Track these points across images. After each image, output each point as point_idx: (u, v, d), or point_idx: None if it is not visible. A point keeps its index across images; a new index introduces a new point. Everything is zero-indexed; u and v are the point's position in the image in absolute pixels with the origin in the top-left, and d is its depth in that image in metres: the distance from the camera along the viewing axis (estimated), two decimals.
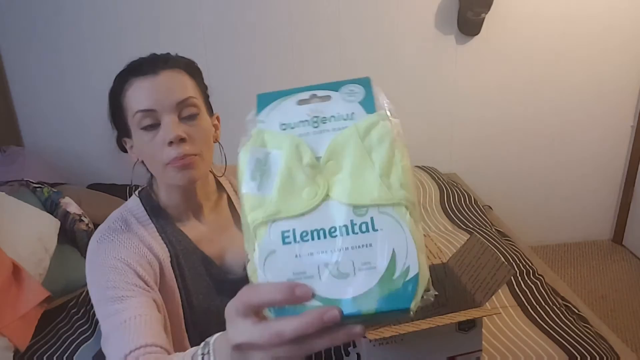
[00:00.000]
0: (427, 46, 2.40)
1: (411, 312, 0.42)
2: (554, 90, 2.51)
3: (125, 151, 0.91)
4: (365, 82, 0.50)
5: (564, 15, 2.38)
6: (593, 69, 2.48)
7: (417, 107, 2.50)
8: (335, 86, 0.50)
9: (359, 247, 0.43)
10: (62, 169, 2.31)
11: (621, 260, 2.65)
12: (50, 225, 1.67)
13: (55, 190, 1.83)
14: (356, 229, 0.43)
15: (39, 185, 1.82)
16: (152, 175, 0.92)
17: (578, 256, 2.70)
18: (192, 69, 0.88)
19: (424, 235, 1.28)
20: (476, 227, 1.90)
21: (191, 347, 0.89)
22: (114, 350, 0.74)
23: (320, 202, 0.44)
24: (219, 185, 1.00)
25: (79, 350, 1.38)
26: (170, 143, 0.81)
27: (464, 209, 2.08)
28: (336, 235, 0.43)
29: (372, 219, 0.43)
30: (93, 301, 0.82)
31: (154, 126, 0.82)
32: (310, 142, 0.46)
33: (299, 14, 2.30)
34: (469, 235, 1.25)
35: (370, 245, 0.43)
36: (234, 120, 2.61)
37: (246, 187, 0.46)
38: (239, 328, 0.43)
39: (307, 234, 0.43)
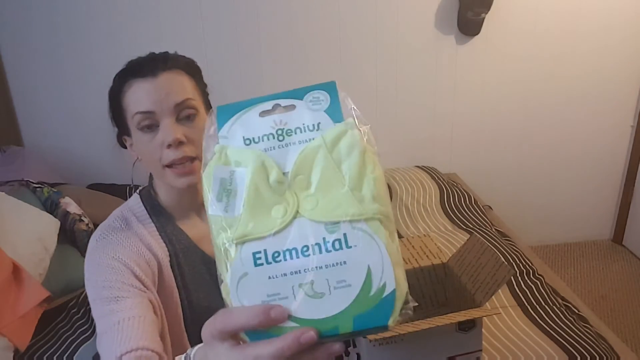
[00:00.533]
0: (427, 46, 2.40)
1: (389, 329, 0.41)
2: (554, 90, 2.51)
3: (126, 147, 0.92)
4: (330, 88, 0.46)
5: (564, 15, 2.38)
6: (593, 69, 2.48)
7: (417, 107, 2.50)
8: (299, 94, 0.46)
9: (333, 265, 0.41)
10: (62, 169, 2.31)
11: (621, 260, 2.65)
12: (50, 225, 1.67)
13: (55, 190, 1.83)
14: (329, 246, 0.41)
15: (39, 185, 1.82)
16: (151, 174, 0.92)
17: (578, 256, 2.70)
18: (191, 69, 0.89)
19: (424, 235, 1.29)
20: (476, 227, 1.90)
21: (191, 345, 0.89)
22: (106, 351, 0.75)
23: (290, 220, 0.42)
24: None
25: (79, 350, 1.38)
26: (169, 146, 0.81)
27: (464, 209, 2.08)
28: (309, 255, 0.41)
29: (345, 235, 0.41)
30: (89, 299, 0.82)
31: (153, 128, 0.82)
32: (276, 157, 0.44)
33: (299, 13, 2.30)
34: (469, 235, 1.25)
35: (345, 262, 0.41)
36: None
37: (212, 208, 0.44)
38: (216, 350, 0.43)
39: (279, 254, 0.42)
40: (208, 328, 0.44)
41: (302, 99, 0.46)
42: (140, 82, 0.82)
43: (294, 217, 0.42)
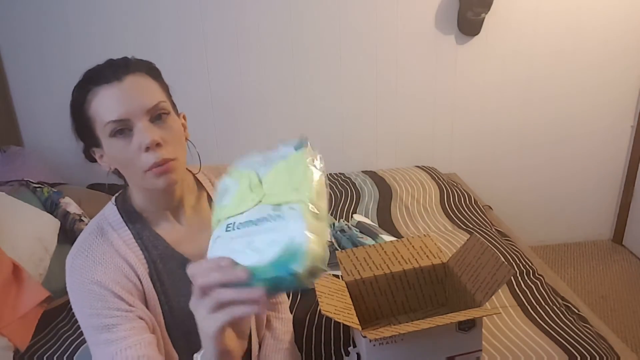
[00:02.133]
0: (427, 46, 2.41)
1: (300, 277, 0.56)
2: (554, 90, 2.51)
3: (94, 161, 0.89)
4: (300, 143, 0.67)
5: (564, 15, 2.38)
6: (593, 69, 2.48)
7: (417, 107, 2.50)
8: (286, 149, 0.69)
9: (271, 230, 0.59)
10: (62, 169, 2.31)
11: (621, 260, 2.65)
12: (50, 225, 1.67)
13: (55, 190, 1.83)
14: (271, 219, 0.60)
15: (39, 185, 1.82)
16: (125, 179, 0.90)
17: (578, 256, 2.71)
18: (152, 71, 0.86)
19: (424, 235, 1.29)
20: (476, 227, 1.90)
21: (174, 349, 0.89)
22: None
23: (255, 204, 0.63)
24: (199, 184, 0.99)
25: (79, 350, 1.38)
26: (147, 149, 0.79)
27: (464, 209, 2.08)
28: (260, 224, 0.61)
29: (282, 211, 0.61)
30: (80, 324, 0.82)
31: (126, 133, 0.80)
32: (259, 172, 0.68)
33: (299, 13, 2.30)
34: (469, 235, 1.25)
35: (277, 228, 0.59)
36: (235, 122, 2.61)
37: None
38: (204, 300, 0.60)
39: (242, 224, 0.62)
40: (192, 296, 0.62)
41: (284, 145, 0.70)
42: (106, 88, 0.80)
43: (257, 203, 0.64)
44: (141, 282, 0.87)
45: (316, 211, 0.60)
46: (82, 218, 1.76)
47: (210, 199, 0.99)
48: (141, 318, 0.83)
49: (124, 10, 2.22)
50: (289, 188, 0.62)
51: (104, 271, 0.83)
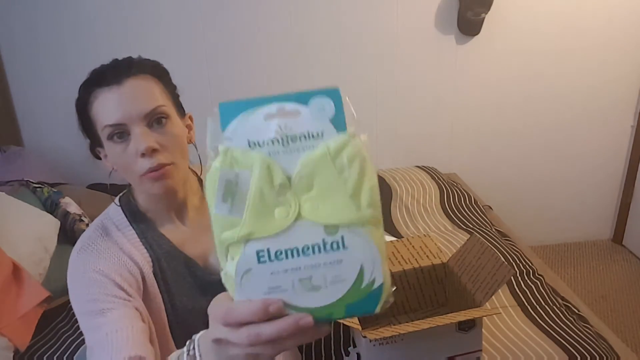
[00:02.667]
0: (427, 46, 2.40)
1: (374, 314, 0.47)
2: (554, 90, 2.51)
3: (99, 158, 0.90)
4: (335, 95, 0.48)
5: (564, 15, 2.38)
6: (593, 69, 2.48)
7: (417, 107, 2.50)
8: (304, 98, 0.47)
9: (330, 263, 0.46)
10: (62, 169, 2.31)
11: (621, 260, 2.65)
12: (50, 225, 1.67)
13: (55, 190, 1.83)
14: (328, 247, 0.46)
15: (39, 185, 1.82)
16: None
17: (578, 256, 2.70)
18: (157, 71, 0.86)
19: (424, 235, 1.29)
20: (476, 227, 1.90)
21: (177, 348, 0.90)
22: None
23: (292, 222, 0.46)
24: (203, 185, 1.00)
25: (79, 351, 1.38)
26: (143, 154, 0.79)
27: (464, 209, 2.08)
28: (309, 254, 0.46)
29: (342, 237, 0.46)
30: (75, 313, 0.82)
31: (124, 138, 0.80)
32: (280, 161, 0.46)
33: (299, 12, 2.30)
34: (469, 235, 1.25)
35: (341, 261, 0.46)
36: None
37: (217, 209, 0.47)
38: (219, 328, 0.47)
39: (281, 252, 0.46)
40: (212, 314, 0.48)
41: (307, 105, 0.47)
42: (106, 92, 0.80)
43: (296, 219, 0.46)
44: (144, 280, 0.87)
45: (381, 229, 0.48)
46: (82, 218, 1.76)
47: None
48: (137, 310, 0.83)
49: (124, 10, 2.22)
50: (341, 197, 0.46)
51: (107, 264, 0.83)
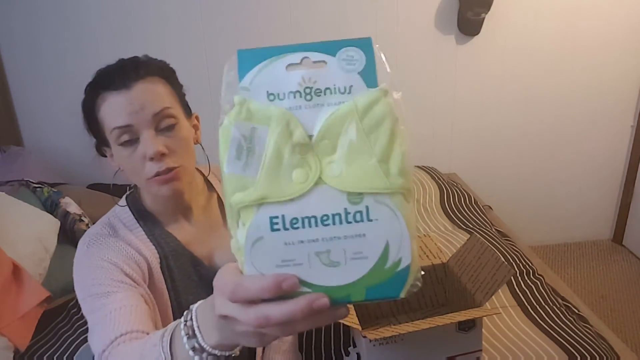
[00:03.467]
0: (427, 46, 2.40)
1: (398, 298, 0.42)
2: (554, 90, 2.51)
3: (105, 156, 0.90)
4: (366, 46, 0.44)
5: (564, 15, 2.38)
6: (593, 69, 2.48)
7: (416, 107, 2.50)
8: (331, 48, 0.42)
9: (352, 236, 0.40)
10: (62, 169, 2.31)
11: (621, 260, 2.65)
12: (50, 225, 1.67)
13: (55, 190, 1.83)
14: (350, 217, 0.40)
15: (39, 185, 1.82)
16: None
17: (578, 256, 2.70)
18: (164, 72, 0.86)
19: (424, 235, 1.28)
20: (476, 227, 1.90)
21: None
22: (98, 340, 0.73)
23: (311, 186, 0.40)
24: (209, 185, 1.00)
25: (79, 351, 1.38)
26: (151, 159, 0.80)
27: (464, 209, 2.08)
28: (328, 224, 0.40)
29: (367, 207, 0.40)
30: (79, 299, 0.81)
31: (132, 141, 0.81)
32: (302, 118, 0.41)
33: (299, 12, 2.30)
34: (469, 235, 1.25)
35: (364, 235, 0.40)
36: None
37: (229, 166, 0.41)
38: (226, 304, 0.43)
39: (297, 220, 0.40)
40: (219, 287, 0.43)
41: (334, 56, 0.42)
42: (114, 95, 0.80)
43: (316, 184, 0.40)
44: (151, 274, 0.87)
45: (412, 201, 0.42)
46: (82, 218, 1.76)
47: (220, 200, 0.99)
48: (142, 296, 0.82)
49: (124, 10, 2.22)
50: (368, 161, 0.41)
51: (116, 255, 0.83)
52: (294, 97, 0.41)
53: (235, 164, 0.41)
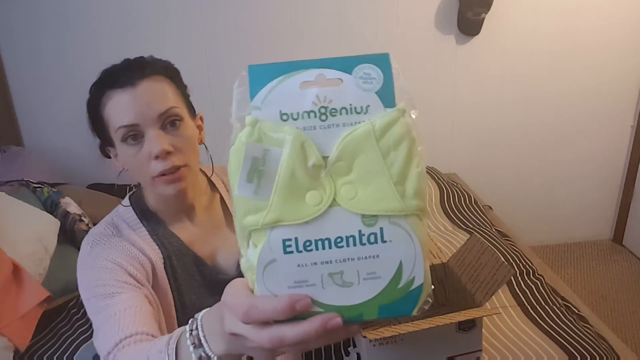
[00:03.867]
0: (427, 46, 2.40)
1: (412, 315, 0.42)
2: (554, 90, 2.51)
3: (109, 157, 0.90)
4: (383, 62, 0.41)
5: (564, 15, 2.38)
6: (593, 69, 2.48)
7: (416, 107, 2.50)
8: (347, 65, 0.41)
9: (365, 258, 0.40)
10: (62, 169, 2.31)
11: (621, 260, 2.65)
12: (50, 225, 1.67)
13: (55, 190, 1.83)
14: (364, 239, 0.40)
15: (39, 185, 1.82)
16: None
17: (578, 256, 2.70)
18: (169, 72, 0.86)
19: None
20: (476, 227, 1.90)
21: None
22: (103, 342, 0.73)
23: (325, 208, 0.40)
24: (212, 185, 1.00)
25: (79, 350, 1.38)
26: (157, 157, 0.80)
27: (464, 209, 2.08)
28: (342, 246, 0.40)
29: (381, 229, 0.40)
30: (83, 299, 0.82)
31: (138, 140, 0.81)
32: (316, 139, 0.40)
33: (299, 12, 2.30)
34: (469, 235, 1.24)
35: (377, 256, 0.40)
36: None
37: (241, 190, 0.41)
38: (238, 324, 0.43)
39: (310, 243, 0.40)
40: (230, 306, 0.43)
41: (350, 73, 0.41)
42: (120, 93, 0.80)
43: (330, 205, 0.40)
44: (155, 274, 0.88)
45: (425, 221, 0.42)
46: (82, 218, 1.76)
47: (223, 200, 0.99)
48: (147, 297, 0.83)
49: (124, 10, 2.22)
50: (384, 183, 0.40)
51: (119, 255, 0.84)
52: (308, 117, 0.40)
53: (247, 187, 0.40)
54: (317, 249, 0.40)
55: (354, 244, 0.40)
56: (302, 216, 0.40)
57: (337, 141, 0.40)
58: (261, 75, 0.40)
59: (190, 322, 0.55)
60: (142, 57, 0.86)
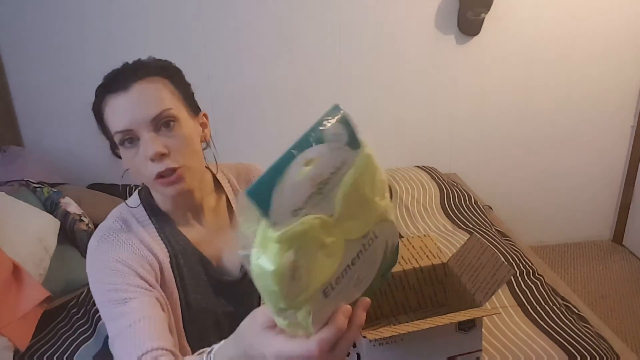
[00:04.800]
0: (427, 46, 2.40)
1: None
2: (554, 90, 2.51)
3: (120, 157, 0.90)
4: (342, 118, 0.49)
5: (564, 15, 2.38)
6: (593, 69, 2.48)
7: (416, 107, 2.50)
8: (319, 137, 0.47)
9: (368, 257, 0.53)
10: (62, 169, 2.31)
11: (621, 260, 2.65)
12: (50, 225, 1.67)
13: (55, 190, 1.83)
14: (367, 246, 0.52)
15: (39, 185, 1.82)
16: None
17: (578, 256, 2.70)
18: (167, 71, 0.86)
19: (424, 235, 1.28)
20: (476, 227, 1.90)
21: (188, 345, 0.90)
22: (122, 354, 0.76)
23: (342, 255, 0.50)
24: (218, 186, 1.00)
25: (79, 350, 1.38)
26: (152, 159, 0.80)
27: (464, 209, 2.08)
28: (356, 262, 0.51)
29: (374, 232, 0.53)
30: (96, 302, 0.83)
31: (134, 143, 0.81)
32: (321, 209, 0.47)
33: (299, 12, 2.30)
34: (469, 235, 1.24)
35: (375, 248, 0.54)
36: (234, 122, 2.60)
37: (279, 316, 0.49)
38: (274, 343, 0.51)
39: (339, 277, 0.50)
40: (265, 350, 0.53)
41: (325, 142, 0.47)
42: (114, 97, 0.80)
43: (344, 247, 0.50)
44: (162, 273, 0.88)
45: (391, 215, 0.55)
46: (82, 218, 1.76)
47: (229, 202, 0.99)
48: (158, 300, 0.84)
49: (123, 10, 2.22)
50: (367, 208, 0.52)
51: (129, 254, 0.84)
52: (311, 199, 0.46)
53: (285, 315, 0.49)
54: (343, 276, 0.52)
55: (362, 255, 0.54)
56: (329, 275, 0.50)
57: (334, 200, 0.48)
58: (262, 195, 0.45)
59: (204, 356, 0.60)
60: (140, 59, 0.86)
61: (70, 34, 2.24)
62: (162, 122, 0.81)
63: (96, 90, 0.85)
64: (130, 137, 0.81)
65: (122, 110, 0.80)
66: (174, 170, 0.81)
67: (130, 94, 0.80)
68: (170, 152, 0.81)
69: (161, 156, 0.80)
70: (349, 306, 0.51)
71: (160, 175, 0.81)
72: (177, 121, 0.83)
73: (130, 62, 0.86)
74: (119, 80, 0.81)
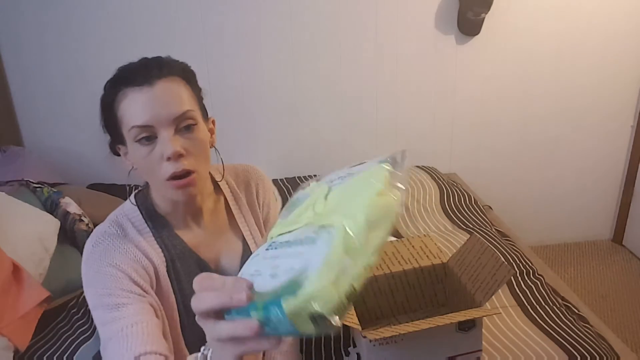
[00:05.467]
0: (427, 46, 2.40)
1: (288, 316, 0.44)
2: (554, 90, 2.51)
3: (119, 155, 0.89)
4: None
5: (564, 15, 2.38)
6: (593, 69, 2.48)
7: (417, 107, 2.50)
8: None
9: (297, 255, 0.48)
10: (62, 169, 2.31)
11: (621, 260, 2.65)
12: (50, 225, 1.67)
13: (55, 190, 1.83)
14: (305, 242, 0.49)
15: (39, 185, 1.82)
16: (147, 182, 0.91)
17: (578, 256, 2.70)
18: (186, 74, 0.86)
19: (424, 235, 1.29)
20: (476, 227, 1.90)
21: (187, 349, 0.90)
22: (113, 358, 0.76)
23: (306, 223, 0.53)
24: (217, 188, 1.00)
25: (79, 350, 1.38)
26: (169, 159, 0.79)
27: (464, 209, 2.08)
28: (292, 246, 0.51)
29: (320, 234, 0.49)
30: (90, 306, 0.82)
31: (151, 140, 0.80)
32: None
33: (298, 12, 2.30)
34: (469, 235, 1.24)
35: (304, 254, 0.48)
36: (234, 121, 2.60)
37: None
38: (206, 327, 0.52)
39: (281, 245, 0.52)
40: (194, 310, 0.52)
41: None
42: (136, 92, 0.79)
43: (309, 223, 0.53)
44: (158, 278, 0.88)
45: (355, 241, 0.47)
46: (82, 218, 1.76)
47: (227, 204, 0.99)
48: (152, 306, 0.83)
49: (123, 9, 2.22)
50: (345, 208, 0.50)
51: (123, 259, 0.84)
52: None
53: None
54: (281, 248, 0.53)
55: (298, 245, 0.51)
56: (292, 227, 0.55)
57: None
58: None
59: (202, 348, 0.59)
60: (160, 56, 0.85)
61: (71, 35, 2.24)
62: (184, 125, 0.81)
63: (109, 83, 0.83)
64: (148, 134, 0.79)
65: (144, 105, 0.78)
66: (189, 172, 0.81)
67: (155, 90, 0.78)
68: (187, 154, 0.81)
69: (179, 156, 0.79)
70: (245, 280, 0.49)
71: (174, 176, 0.80)
72: (197, 124, 0.83)
73: (149, 57, 0.85)
74: (141, 74, 0.80)
